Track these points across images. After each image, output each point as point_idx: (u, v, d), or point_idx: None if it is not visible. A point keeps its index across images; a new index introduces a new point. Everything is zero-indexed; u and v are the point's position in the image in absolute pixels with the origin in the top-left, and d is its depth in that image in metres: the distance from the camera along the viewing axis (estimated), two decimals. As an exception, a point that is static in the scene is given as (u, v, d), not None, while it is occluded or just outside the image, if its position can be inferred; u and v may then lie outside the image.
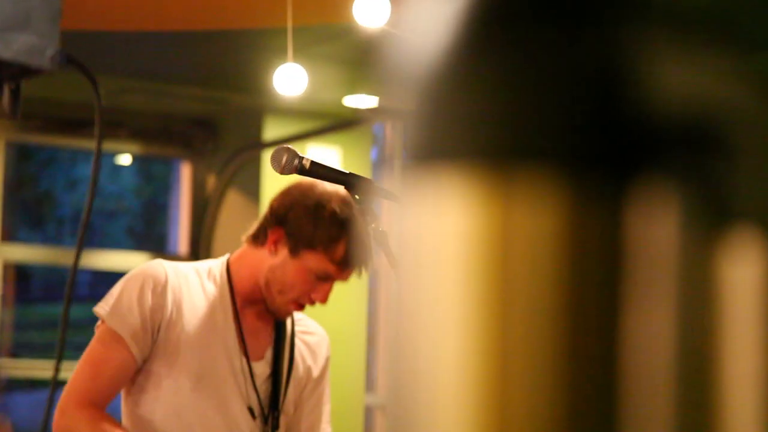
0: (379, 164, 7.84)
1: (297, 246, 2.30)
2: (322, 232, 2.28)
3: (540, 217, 0.44)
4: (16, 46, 0.99)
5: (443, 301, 0.45)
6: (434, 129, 0.45)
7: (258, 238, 2.36)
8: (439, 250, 0.45)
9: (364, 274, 2.35)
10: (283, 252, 2.31)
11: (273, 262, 2.32)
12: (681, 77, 0.46)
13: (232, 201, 6.76)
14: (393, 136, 7.55)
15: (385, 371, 7.15)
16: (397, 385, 0.46)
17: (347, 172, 2.23)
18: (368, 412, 6.96)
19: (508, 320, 0.45)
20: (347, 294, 6.39)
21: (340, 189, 2.33)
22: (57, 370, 1.61)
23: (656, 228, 0.46)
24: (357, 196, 2.20)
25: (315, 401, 2.46)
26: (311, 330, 2.50)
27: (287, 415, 2.41)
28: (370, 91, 6.76)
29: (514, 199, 0.44)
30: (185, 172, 7.31)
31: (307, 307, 2.42)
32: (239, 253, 2.41)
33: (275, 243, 2.32)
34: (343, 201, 2.35)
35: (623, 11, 0.46)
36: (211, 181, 6.86)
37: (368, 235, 2.22)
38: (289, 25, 3.60)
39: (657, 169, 0.45)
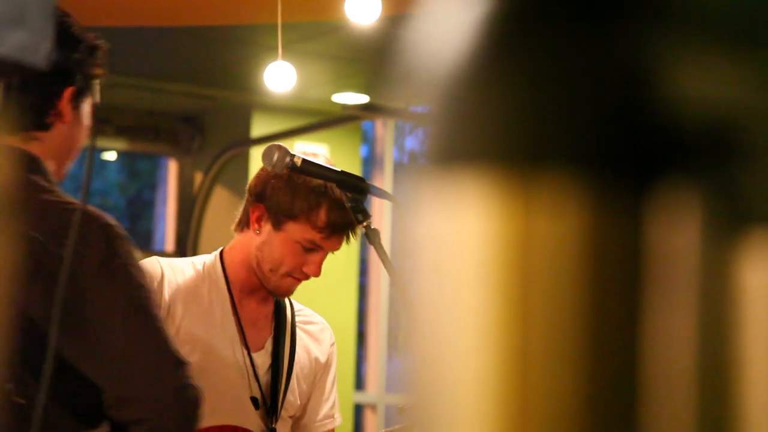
0: (369, 161, 7.83)
1: (279, 219, 2.29)
2: (300, 201, 2.27)
3: (561, 221, 0.43)
4: (9, 43, 0.97)
5: (463, 305, 0.44)
6: (455, 132, 0.44)
7: (243, 223, 2.36)
8: (459, 254, 0.44)
9: (352, 240, 2.33)
10: (267, 227, 2.30)
11: (259, 240, 2.31)
12: (701, 81, 0.45)
13: (219, 198, 6.74)
14: (383, 134, 7.55)
15: (377, 370, 7.15)
16: (417, 392, 0.44)
17: (339, 170, 2.22)
18: (358, 411, 6.96)
19: (528, 325, 0.44)
20: (337, 291, 6.38)
21: (311, 154, 2.34)
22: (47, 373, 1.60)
23: (677, 232, 0.45)
24: (349, 195, 2.19)
25: (328, 387, 2.46)
26: (312, 320, 2.49)
27: (293, 405, 2.39)
28: (359, 88, 6.75)
29: (535, 203, 0.43)
30: (172, 169, 7.29)
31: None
32: (231, 243, 2.41)
33: (258, 221, 2.31)
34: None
35: (645, 14, 0.45)
36: (198, 178, 6.84)
37: (347, 199, 2.23)
38: (279, 22, 3.59)
39: (677, 173, 0.44)
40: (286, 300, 2.45)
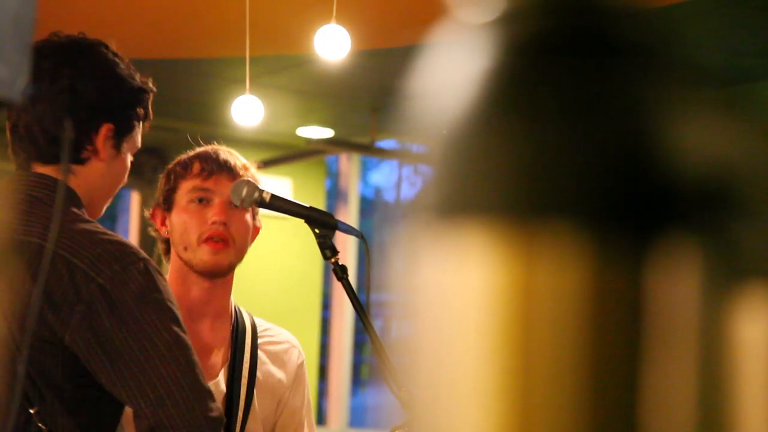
0: (333, 195, 7.83)
1: (169, 199, 2.30)
2: (173, 175, 2.33)
3: (562, 272, 0.43)
4: (-15, 78, 0.97)
5: (465, 355, 0.44)
6: (457, 183, 0.44)
7: (164, 251, 2.34)
8: (461, 305, 0.44)
9: (237, 175, 2.30)
10: (168, 219, 2.30)
11: (173, 235, 2.29)
12: (700, 134, 0.46)
13: (182, 230, 6.70)
14: (348, 168, 7.55)
15: (339, 404, 7.11)
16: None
17: (308, 206, 2.21)
18: (318, 446, 6.91)
19: (530, 376, 0.44)
20: (299, 324, 6.35)
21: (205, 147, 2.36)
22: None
23: (676, 284, 0.45)
24: (317, 231, 2.19)
25: (291, 410, 2.37)
26: (278, 339, 2.41)
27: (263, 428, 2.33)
28: (324, 122, 6.76)
29: (537, 255, 0.43)
30: (134, 201, 7.24)
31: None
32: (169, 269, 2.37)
33: (162, 223, 2.32)
34: (203, 150, 2.37)
35: (645, 70, 0.45)
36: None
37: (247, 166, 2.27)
38: (248, 55, 3.59)
39: (677, 226, 0.45)
40: (248, 321, 2.37)
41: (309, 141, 6.89)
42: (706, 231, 0.45)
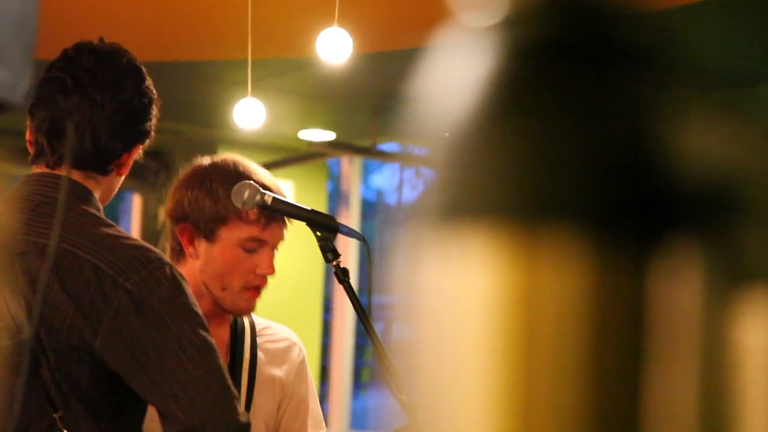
0: (334, 198, 7.83)
1: (210, 229, 2.17)
2: (224, 202, 2.15)
3: (564, 276, 0.43)
4: (-13, 81, 0.96)
5: (466, 360, 0.44)
6: (459, 186, 0.44)
7: (177, 254, 2.24)
8: (463, 308, 0.44)
9: (288, 223, 2.22)
10: (202, 244, 2.18)
11: (200, 262, 2.18)
12: (702, 137, 0.46)
13: (184, 233, 6.70)
14: (349, 170, 7.55)
15: (340, 407, 7.10)
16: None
17: (309, 208, 2.21)
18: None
19: (532, 380, 0.44)
20: (301, 327, 6.34)
21: (219, 157, 2.29)
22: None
23: (678, 289, 0.45)
24: (319, 233, 2.18)
25: (297, 402, 2.34)
26: (277, 337, 2.37)
27: (266, 427, 2.30)
28: (325, 125, 6.76)
29: (539, 258, 0.43)
30: (136, 203, 7.24)
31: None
32: None
33: (190, 242, 2.20)
34: (225, 164, 2.23)
35: (647, 74, 0.45)
36: (163, 213, 6.80)
37: (267, 177, 2.18)
38: (249, 58, 3.59)
39: (679, 230, 0.45)
40: (246, 321, 2.33)
41: (310, 144, 6.89)
42: (708, 235, 0.45)
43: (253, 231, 2.19)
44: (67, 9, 4.12)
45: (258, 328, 2.37)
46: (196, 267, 2.20)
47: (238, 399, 1.80)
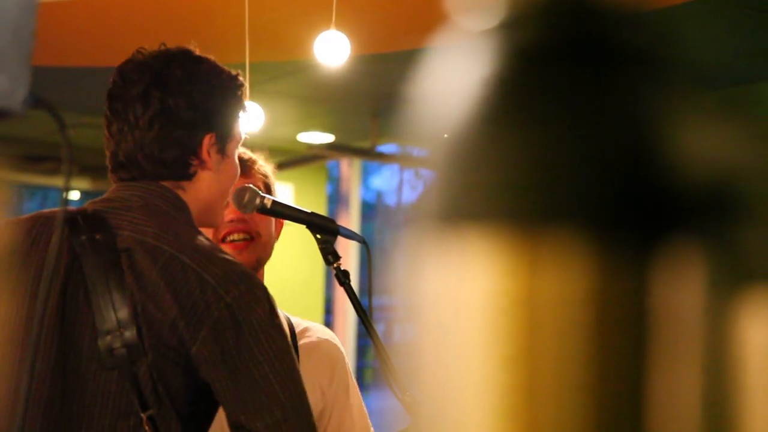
0: (334, 200, 7.83)
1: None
2: None
3: (566, 277, 0.43)
4: (-14, 89, 0.97)
5: (469, 362, 0.44)
6: (460, 189, 0.44)
7: None
8: (465, 311, 0.44)
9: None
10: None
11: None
12: (702, 138, 0.46)
13: (184, 237, 6.70)
14: (349, 173, 7.55)
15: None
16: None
17: (309, 211, 2.21)
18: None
19: (534, 381, 0.44)
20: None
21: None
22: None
23: (680, 289, 0.45)
24: (319, 236, 2.18)
25: (337, 420, 2.32)
26: (316, 338, 2.37)
27: None
28: (324, 128, 6.76)
29: (540, 260, 0.43)
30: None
31: None
32: None
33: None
34: None
35: (645, 74, 0.45)
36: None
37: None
38: (247, 62, 3.59)
39: (681, 230, 0.45)
40: (284, 322, 2.33)
41: (310, 146, 6.89)
42: (709, 235, 0.45)
43: None
44: (65, 15, 4.12)
45: (297, 329, 2.36)
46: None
47: (315, 426, 1.81)
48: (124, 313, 1.74)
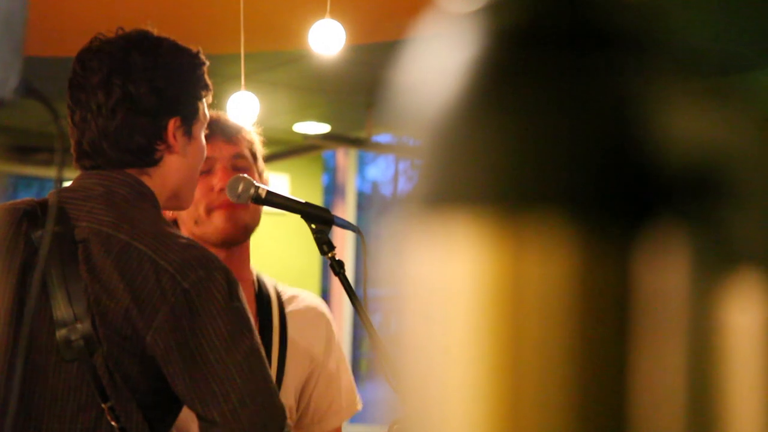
0: (330, 190, 7.83)
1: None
2: None
3: (550, 261, 0.43)
4: (-23, 77, 0.96)
5: (453, 346, 0.44)
6: (445, 174, 0.44)
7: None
8: (449, 294, 0.44)
9: (239, 144, 2.28)
10: None
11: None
12: (688, 120, 0.46)
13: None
14: (345, 163, 7.55)
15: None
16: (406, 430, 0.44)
17: (303, 201, 2.21)
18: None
19: (519, 365, 0.44)
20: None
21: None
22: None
23: (665, 272, 0.45)
24: (314, 226, 2.18)
25: (327, 378, 2.33)
26: (303, 305, 2.37)
27: (290, 409, 2.27)
28: (320, 118, 6.76)
29: (525, 244, 0.43)
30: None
31: None
32: None
33: None
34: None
35: (634, 59, 0.45)
36: (158, 208, 6.79)
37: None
38: (242, 52, 3.59)
39: (665, 213, 0.45)
40: (272, 289, 2.34)
41: (305, 137, 6.89)
42: (695, 218, 0.45)
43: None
44: (57, 4, 4.11)
45: (284, 296, 2.36)
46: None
47: (284, 412, 1.78)
48: (79, 306, 1.73)
